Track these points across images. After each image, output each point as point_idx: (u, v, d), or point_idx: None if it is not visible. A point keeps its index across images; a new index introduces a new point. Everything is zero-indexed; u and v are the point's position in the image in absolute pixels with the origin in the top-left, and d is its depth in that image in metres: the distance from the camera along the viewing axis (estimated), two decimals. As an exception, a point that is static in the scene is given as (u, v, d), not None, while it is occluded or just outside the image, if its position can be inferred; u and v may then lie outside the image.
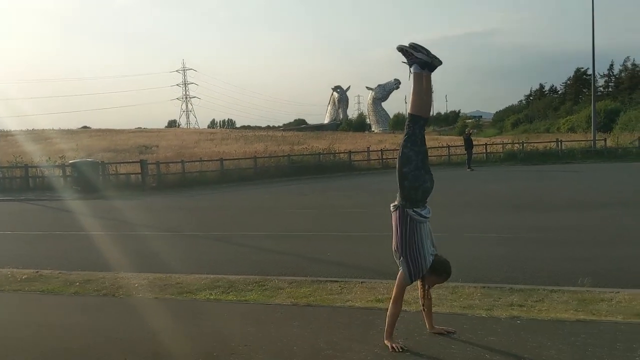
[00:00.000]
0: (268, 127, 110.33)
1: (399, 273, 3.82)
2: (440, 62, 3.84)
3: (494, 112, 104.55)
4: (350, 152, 27.30)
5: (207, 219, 12.70)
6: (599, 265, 6.32)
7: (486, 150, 28.20)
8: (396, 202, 3.84)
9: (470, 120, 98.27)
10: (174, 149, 37.94)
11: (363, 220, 11.14)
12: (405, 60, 3.86)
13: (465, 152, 24.70)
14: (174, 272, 6.64)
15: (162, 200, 16.82)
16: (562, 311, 4.61)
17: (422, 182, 3.75)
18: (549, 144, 28.37)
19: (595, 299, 4.91)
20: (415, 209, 3.74)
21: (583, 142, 28.12)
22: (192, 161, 23.56)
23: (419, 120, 3.83)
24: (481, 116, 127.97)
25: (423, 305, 4.12)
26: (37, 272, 6.82)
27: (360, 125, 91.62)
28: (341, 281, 5.92)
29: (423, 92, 3.84)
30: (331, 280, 5.95)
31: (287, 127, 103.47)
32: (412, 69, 3.84)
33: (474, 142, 26.02)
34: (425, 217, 3.77)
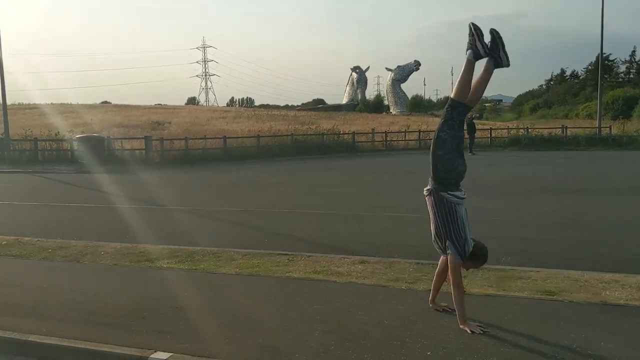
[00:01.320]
0: (286, 106, 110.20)
1: (449, 257, 3.83)
2: (507, 64, 3.75)
3: (517, 96, 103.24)
4: (354, 134, 27.58)
5: (197, 194, 13.19)
6: (535, 246, 6.66)
7: (490, 135, 28.24)
8: (429, 187, 3.84)
9: (488, 104, 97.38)
10: (186, 125, 38.45)
11: (342, 199, 11.49)
12: (469, 39, 3.78)
13: (468, 136, 24.78)
14: (144, 242, 7.09)
15: (161, 176, 17.30)
16: (478, 286, 4.96)
17: (456, 166, 3.76)
18: (554, 130, 28.32)
19: (514, 277, 5.25)
20: (450, 192, 3.75)
21: (588, 129, 28.01)
22: (196, 138, 24.05)
23: (459, 106, 3.80)
24: (501, 100, 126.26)
25: (435, 281, 4.23)
26: (18, 238, 7.35)
27: (377, 106, 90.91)
28: (291, 254, 6.30)
29: (469, 79, 3.78)
30: (282, 254, 6.35)
31: (305, 106, 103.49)
32: (467, 54, 3.78)
33: (477, 127, 26.12)
34: (461, 199, 3.79)
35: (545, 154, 23.75)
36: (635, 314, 4.18)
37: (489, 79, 3.84)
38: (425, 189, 3.86)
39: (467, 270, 4.03)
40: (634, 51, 77.13)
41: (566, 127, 27.75)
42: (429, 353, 3.49)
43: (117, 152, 22.15)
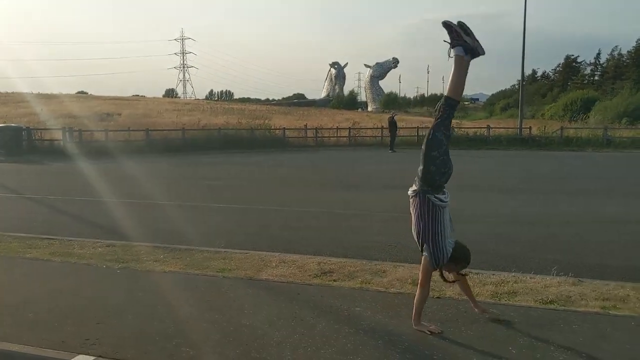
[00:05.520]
0: (267, 100, 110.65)
1: (423, 258, 3.71)
2: (483, 52, 3.65)
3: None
4: (284, 129, 28.25)
5: (77, 184, 13.48)
6: (299, 234, 7.32)
7: (417, 133, 29.07)
8: (415, 188, 3.69)
9: (466, 103, 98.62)
10: (136, 117, 38.62)
11: (198, 192, 12.07)
12: (448, 40, 3.63)
13: (390, 134, 25.58)
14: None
15: (62, 167, 17.67)
16: (172, 265, 5.62)
17: (448, 168, 3.65)
18: (479, 129, 29.24)
19: (217, 258, 5.87)
20: (436, 195, 3.62)
21: (511, 130, 28.98)
22: (117, 130, 24.47)
23: (456, 104, 3.72)
24: (477, 99, 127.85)
25: (462, 290, 4.10)
26: None
27: (351, 102, 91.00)
28: (56, 239, 6.79)
29: (464, 76, 3.68)
30: (48, 238, 6.84)
31: (286, 100, 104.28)
32: (454, 51, 3.62)
33: (399, 125, 26.95)
34: (445, 202, 3.67)
35: (465, 153, 24.56)
36: (262, 286, 4.84)
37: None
38: (410, 189, 3.74)
39: (450, 272, 3.93)
40: (598, 54, 78.71)
41: (490, 127, 28.73)
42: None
43: (37, 143, 22.54)
